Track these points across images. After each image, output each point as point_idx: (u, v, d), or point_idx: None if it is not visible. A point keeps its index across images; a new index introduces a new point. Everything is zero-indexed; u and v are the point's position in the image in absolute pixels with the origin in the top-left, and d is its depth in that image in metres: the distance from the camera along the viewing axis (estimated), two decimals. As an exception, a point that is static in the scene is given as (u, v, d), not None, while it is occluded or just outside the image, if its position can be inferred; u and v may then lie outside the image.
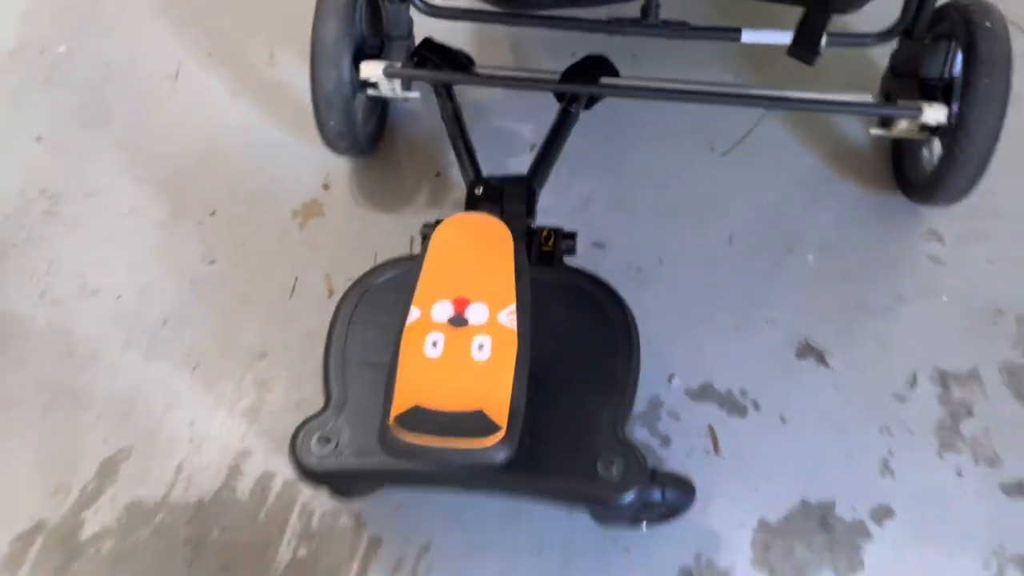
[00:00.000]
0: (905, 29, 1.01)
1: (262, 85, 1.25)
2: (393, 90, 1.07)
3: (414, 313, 0.73)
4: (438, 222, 0.89)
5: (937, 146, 1.05)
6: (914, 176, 1.10)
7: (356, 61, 1.04)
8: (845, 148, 1.19)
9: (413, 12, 1.09)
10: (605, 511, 0.85)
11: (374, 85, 1.07)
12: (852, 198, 1.15)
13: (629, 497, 0.79)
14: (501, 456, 0.68)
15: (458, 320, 0.72)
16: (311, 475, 0.82)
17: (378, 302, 0.89)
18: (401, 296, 0.80)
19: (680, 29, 1.03)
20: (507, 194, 0.95)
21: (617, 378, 0.85)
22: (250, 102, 1.24)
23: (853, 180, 1.16)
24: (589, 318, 0.89)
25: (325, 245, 1.13)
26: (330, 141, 1.07)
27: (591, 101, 1.11)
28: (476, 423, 0.67)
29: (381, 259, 1.00)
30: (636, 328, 0.90)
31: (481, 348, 0.70)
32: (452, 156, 1.10)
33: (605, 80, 1.08)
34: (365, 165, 1.18)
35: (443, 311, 0.72)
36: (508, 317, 0.72)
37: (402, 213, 1.15)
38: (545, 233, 0.95)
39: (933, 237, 1.12)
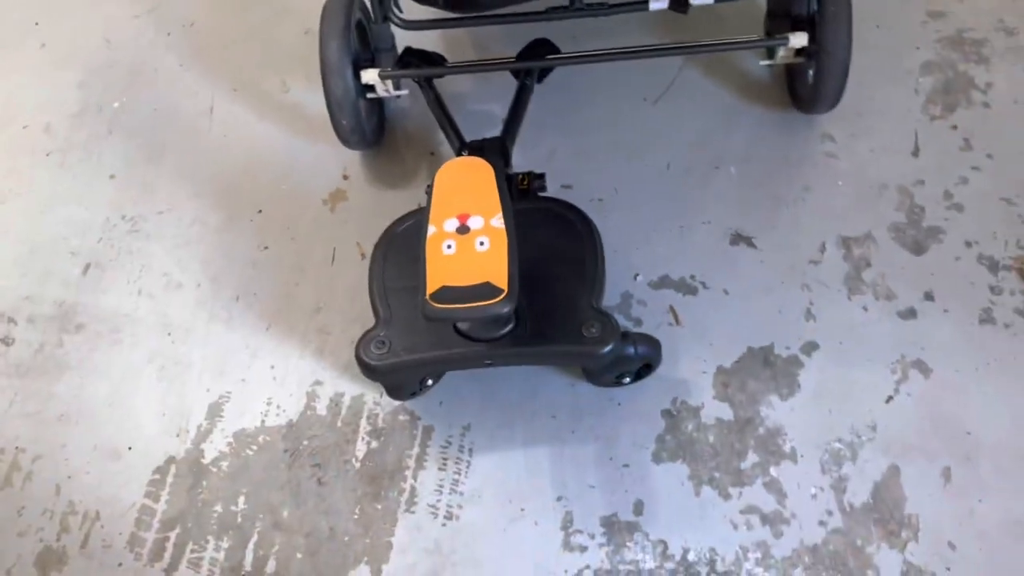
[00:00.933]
0: (772, -21, 1.31)
1: (281, 108, 1.55)
2: (387, 91, 1.37)
3: (431, 229, 1.02)
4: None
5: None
6: (803, 93, 1.39)
7: (356, 72, 1.33)
8: (750, 82, 1.48)
9: (394, 28, 1.38)
10: (592, 364, 1.14)
11: (372, 89, 1.37)
12: (760, 119, 1.44)
13: (608, 349, 1.08)
14: (506, 309, 0.97)
15: (463, 229, 1.01)
16: (373, 371, 1.11)
17: (402, 243, 1.19)
18: (418, 236, 1.10)
19: (600, 8, 1.32)
20: (487, 150, 1.25)
21: (587, 267, 1.14)
22: (274, 122, 1.54)
23: (760, 106, 1.46)
24: (562, 230, 1.19)
25: (353, 221, 1.42)
26: (344, 138, 1.37)
27: (542, 75, 1.41)
28: (486, 290, 0.96)
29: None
30: (596, 229, 1.19)
31: (482, 244, 0.99)
32: (441, 138, 1.40)
33: (549, 56, 1.38)
34: (374, 156, 1.48)
35: (451, 224, 1.02)
36: (498, 221, 1.01)
37: (408, 188, 1.45)
38: (520, 176, 1.25)
39: (827, 138, 1.41)
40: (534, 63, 1.36)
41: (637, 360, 1.16)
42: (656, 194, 1.39)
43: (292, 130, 1.53)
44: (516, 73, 1.38)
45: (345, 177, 1.47)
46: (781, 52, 1.32)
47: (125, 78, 1.62)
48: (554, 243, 1.17)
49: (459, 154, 1.27)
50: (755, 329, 1.26)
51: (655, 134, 1.45)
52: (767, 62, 1.38)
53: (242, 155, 1.51)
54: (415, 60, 1.38)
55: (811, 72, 1.35)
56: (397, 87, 1.40)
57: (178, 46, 1.65)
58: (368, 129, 1.39)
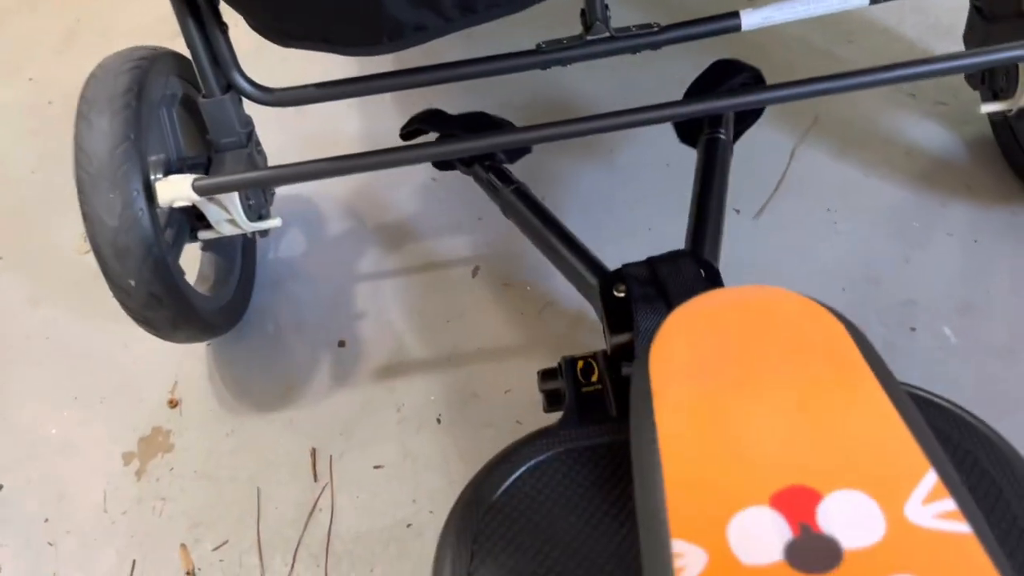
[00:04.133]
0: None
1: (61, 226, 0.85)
2: (233, 222, 0.66)
3: (692, 560, 0.28)
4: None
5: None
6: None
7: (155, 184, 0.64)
8: (929, 160, 0.81)
9: (251, 106, 0.70)
10: None
11: (204, 223, 0.66)
12: (969, 225, 0.76)
13: None
14: None
15: (810, 547, 0.28)
16: None
17: (510, 541, 0.44)
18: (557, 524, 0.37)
19: (648, 34, 0.65)
20: (671, 286, 0.53)
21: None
22: (57, 302, 0.83)
23: (961, 200, 0.77)
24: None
25: (179, 499, 0.68)
26: (139, 315, 0.64)
27: (512, 156, 0.73)
28: None
29: (271, 499, 0.58)
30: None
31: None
32: (359, 314, 0.70)
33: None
34: (230, 349, 0.76)
35: (765, 530, 0.28)
36: (935, 510, 0.28)
37: (298, 411, 0.72)
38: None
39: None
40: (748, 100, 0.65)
41: None
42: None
43: (76, 287, 0.81)
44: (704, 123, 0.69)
45: (172, 403, 0.74)
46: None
47: None
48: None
49: (607, 293, 0.55)
50: None
51: (770, 272, 0.76)
52: (995, 107, 0.70)
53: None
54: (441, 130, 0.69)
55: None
56: (261, 214, 0.70)
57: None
58: (204, 303, 0.68)
